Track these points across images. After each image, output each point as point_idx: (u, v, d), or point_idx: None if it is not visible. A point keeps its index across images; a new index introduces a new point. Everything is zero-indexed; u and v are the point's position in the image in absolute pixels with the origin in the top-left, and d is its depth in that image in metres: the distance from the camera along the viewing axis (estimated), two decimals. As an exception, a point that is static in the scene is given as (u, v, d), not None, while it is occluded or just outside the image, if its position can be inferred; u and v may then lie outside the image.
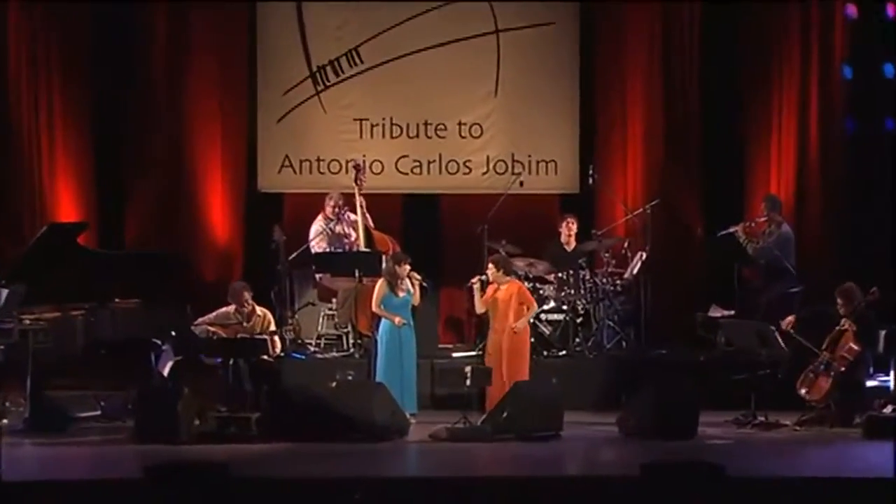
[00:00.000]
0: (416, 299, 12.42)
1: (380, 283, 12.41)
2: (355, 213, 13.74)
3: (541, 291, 13.68)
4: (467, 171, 14.97)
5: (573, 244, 14.10)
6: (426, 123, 14.91)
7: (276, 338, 12.70)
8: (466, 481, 9.67)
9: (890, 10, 14.49)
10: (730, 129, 14.87)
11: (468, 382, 11.82)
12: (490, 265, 12.47)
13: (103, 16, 14.46)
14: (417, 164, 14.94)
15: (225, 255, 14.74)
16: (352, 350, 13.58)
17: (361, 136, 14.92)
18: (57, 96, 14.49)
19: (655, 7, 14.89)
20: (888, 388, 12.20)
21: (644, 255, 13.90)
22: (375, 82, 14.91)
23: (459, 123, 14.92)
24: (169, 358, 12.42)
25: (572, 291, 13.71)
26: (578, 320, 13.75)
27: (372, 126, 14.91)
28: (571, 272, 13.75)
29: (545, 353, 13.50)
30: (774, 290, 13.45)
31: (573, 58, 14.93)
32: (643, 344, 13.82)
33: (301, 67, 14.89)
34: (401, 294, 12.33)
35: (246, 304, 12.64)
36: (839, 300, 12.12)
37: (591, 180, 14.35)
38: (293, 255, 13.67)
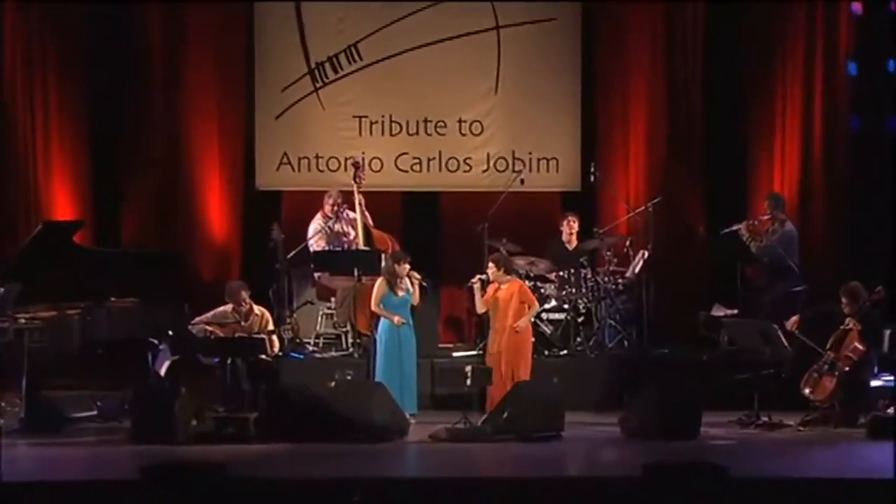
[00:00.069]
0: (416, 298, 12.37)
1: (379, 282, 12.36)
2: (354, 211, 13.70)
3: (542, 290, 13.63)
4: (467, 168, 14.90)
5: (574, 243, 14.05)
6: (426, 120, 14.85)
7: (275, 337, 12.69)
8: (467, 482, 9.62)
9: (895, 5, 14.42)
10: (733, 128, 14.81)
11: (468, 382, 11.79)
12: (490, 264, 12.42)
13: (99, 13, 14.39)
14: (417, 161, 14.87)
15: (222, 254, 14.68)
16: (351, 349, 13.53)
17: (360, 134, 14.85)
18: (53, 95, 14.45)
19: (658, 8, 14.83)
20: (893, 388, 12.14)
21: (646, 254, 13.84)
22: (375, 79, 14.84)
23: (459, 120, 14.86)
24: (166, 357, 12.38)
25: (574, 290, 13.66)
26: (580, 319, 13.71)
27: (371, 123, 14.85)
28: (573, 271, 13.71)
29: (546, 352, 13.44)
30: (778, 289, 13.39)
31: (574, 54, 14.87)
32: (645, 343, 13.76)
33: (299, 64, 14.82)
34: (400, 293, 12.27)
35: (244, 303, 12.60)
36: (844, 299, 12.06)
37: (592, 178, 14.28)
38: (291, 254, 13.61)
